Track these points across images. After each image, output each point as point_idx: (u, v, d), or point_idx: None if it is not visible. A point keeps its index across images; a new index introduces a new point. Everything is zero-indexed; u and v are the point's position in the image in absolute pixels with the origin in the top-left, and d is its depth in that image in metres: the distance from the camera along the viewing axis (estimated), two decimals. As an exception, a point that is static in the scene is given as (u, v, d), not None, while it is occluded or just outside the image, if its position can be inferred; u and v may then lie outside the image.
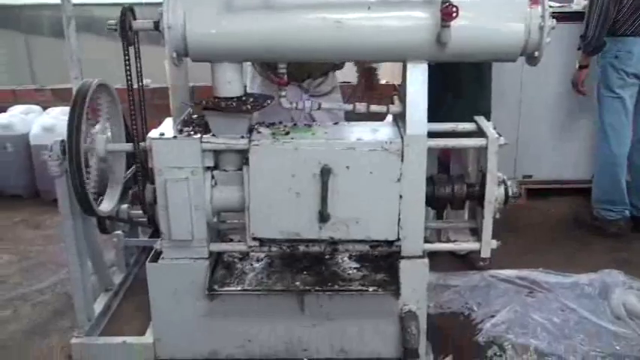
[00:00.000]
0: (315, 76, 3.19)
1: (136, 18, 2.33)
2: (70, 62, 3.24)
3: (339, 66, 3.34)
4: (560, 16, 2.37)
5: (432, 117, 2.38)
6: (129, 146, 2.55)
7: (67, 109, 4.39)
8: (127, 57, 2.34)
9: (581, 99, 4.00)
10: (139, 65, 2.39)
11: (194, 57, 2.33)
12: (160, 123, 2.52)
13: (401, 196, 2.38)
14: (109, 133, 2.69)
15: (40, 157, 2.57)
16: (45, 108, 4.72)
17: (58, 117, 4.43)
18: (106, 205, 2.65)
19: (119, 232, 3.20)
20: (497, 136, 2.38)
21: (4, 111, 4.68)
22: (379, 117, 2.81)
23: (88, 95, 2.40)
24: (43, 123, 4.43)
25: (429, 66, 2.35)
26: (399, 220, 2.41)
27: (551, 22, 2.22)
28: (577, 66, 3.78)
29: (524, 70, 3.99)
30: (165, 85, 4.47)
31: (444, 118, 2.56)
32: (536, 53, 2.29)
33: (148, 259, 2.54)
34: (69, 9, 3.20)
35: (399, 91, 2.68)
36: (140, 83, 2.42)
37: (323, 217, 2.37)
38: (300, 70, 3.09)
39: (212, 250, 2.52)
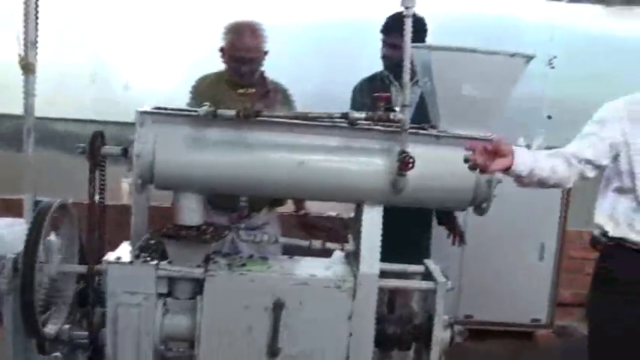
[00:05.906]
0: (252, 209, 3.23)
1: (105, 143, 2.39)
2: (25, 174, 3.26)
3: (278, 202, 3.44)
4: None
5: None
6: (82, 268, 2.53)
7: (15, 220, 4.32)
8: (92, 179, 2.38)
9: (522, 240, 4.18)
10: (103, 187, 2.42)
11: (158, 185, 2.39)
12: (110, 243, 2.52)
13: (350, 334, 2.42)
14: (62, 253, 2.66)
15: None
16: (-9, 218, 4.62)
17: (5, 228, 4.33)
18: (52, 327, 2.58)
19: (57, 354, 3.08)
20: (445, 280, 2.48)
21: (-51, 218, 4.56)
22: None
23: (47, 217, 2.39)
24: (-12, 233, 4.32)
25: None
26: (347, 357, 2.43)
27: (498, 177, 2.40)
28: None
29: (468, 214, 4.16)
30: (118, 202, 4.49)
31: (394, 258, 2.66)
32: (484, 205, 2.45)
33: (89, 384, 2.46)
34: (30, 121, 3.26)
35: (350, 227, 2.78)
36: (102, 204, 2.44)
37: (273, 352, 2.37)
38: (230, 201, 2.96)
39: (157, 379, 2.47)
